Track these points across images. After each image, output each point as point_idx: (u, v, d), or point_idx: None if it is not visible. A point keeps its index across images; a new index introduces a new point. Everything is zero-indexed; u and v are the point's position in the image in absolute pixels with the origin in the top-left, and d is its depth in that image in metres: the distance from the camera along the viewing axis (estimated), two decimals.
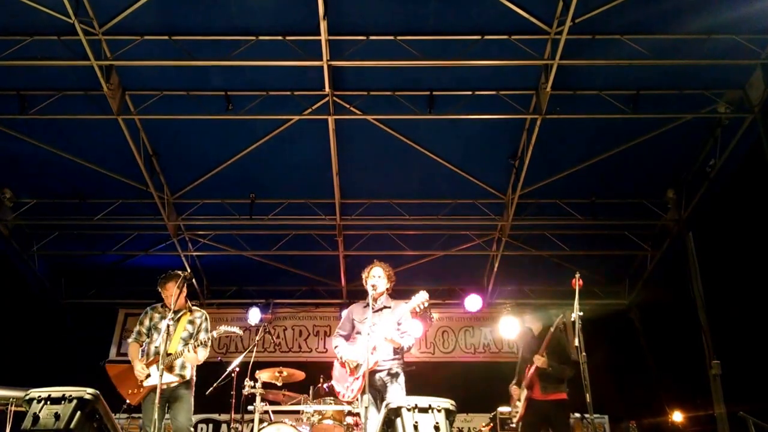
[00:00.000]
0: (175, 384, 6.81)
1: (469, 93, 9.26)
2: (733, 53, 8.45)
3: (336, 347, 6.95)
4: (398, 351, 6.69)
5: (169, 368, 6.77)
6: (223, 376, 8.51)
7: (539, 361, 7.27)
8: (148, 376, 6.83)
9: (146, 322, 7.13)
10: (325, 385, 9.23)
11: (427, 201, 11.08)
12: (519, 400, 7.63)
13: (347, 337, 7.02)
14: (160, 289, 7.13)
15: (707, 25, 8.13)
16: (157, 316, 7.14)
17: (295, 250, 11.87)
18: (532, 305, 8.68)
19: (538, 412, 7.41)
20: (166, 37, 8.52)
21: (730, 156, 9.47)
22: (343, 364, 6.83)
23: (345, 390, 6.74)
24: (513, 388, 7.80)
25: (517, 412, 7.62)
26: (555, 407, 7.38)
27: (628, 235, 11.50)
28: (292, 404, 8.86)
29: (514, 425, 7.85)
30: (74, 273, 12.70)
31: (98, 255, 12.08)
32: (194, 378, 7.05)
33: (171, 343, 6.79)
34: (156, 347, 6.89)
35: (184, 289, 7.00)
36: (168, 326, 6.41)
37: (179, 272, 6.94)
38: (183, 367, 6.90)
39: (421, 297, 6.69)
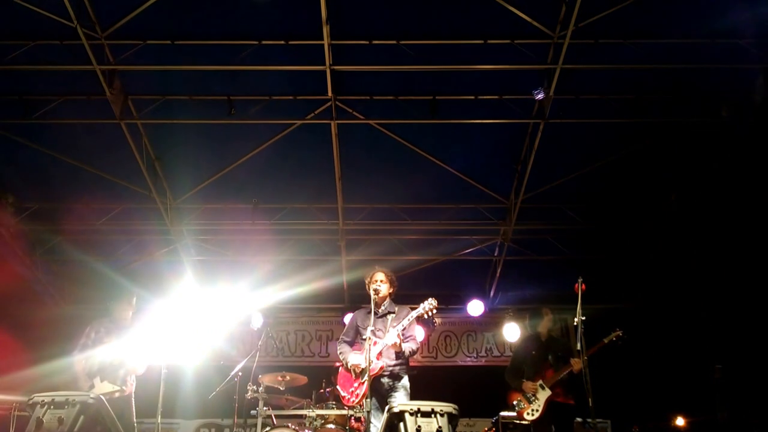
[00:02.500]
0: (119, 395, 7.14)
1: (472, 97, 9.25)
2: (736, 57, 8.45)
3: (340, 353, 6.99)
4: (403, 355, 6.70)
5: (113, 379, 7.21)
6: (225, 380, 8.51)
7: (578, 365, 7.23)
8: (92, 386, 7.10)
9: (92, 335, 7.45)
10: (326, 390, 9.24)
11: (430, 205, 11.07)
12: (534, 396, 7.63)
13: (351, 343, 7.05)
14: (117, 306, 7.65)
15: (711, 29, 8.12)
16: (102, 330, 7.46)
17: (298, 255, 11.85)
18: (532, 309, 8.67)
19: (555, 414, 7.51)
20: (169, 42, 8.54)
21: (732, 159, 9.45)
22: (348, 370, 6.85)
23: (350, 395, 6.77)
24: (528, 384, 7.73)
25: (536, 410, 7.56)
26: (569, 411, 7.58)
27: (631, 239, 11.47)
28: (294, 408, 8.86)
29: (525, 422, 7.81)
30: (77, 278, 12.68)
31: (102, 259, 12.07)
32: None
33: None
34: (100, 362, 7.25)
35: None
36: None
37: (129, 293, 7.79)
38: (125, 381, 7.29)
39: (429, 304, 6.71)
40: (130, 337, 7.45)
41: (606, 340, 7.50)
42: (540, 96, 8.62)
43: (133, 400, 7.38)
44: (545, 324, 8.05)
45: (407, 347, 6.69)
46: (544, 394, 7.59)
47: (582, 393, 6.26)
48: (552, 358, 7.73)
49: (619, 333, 7.58)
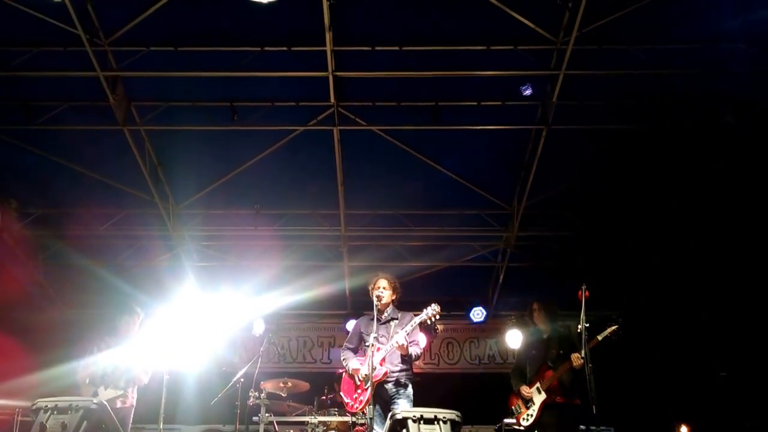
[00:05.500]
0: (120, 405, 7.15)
1: (475, 103, 9.24)
2: (739, 62, 8.43)
3: (344, 359, 7.00)
4: (407, 361, 6.71)
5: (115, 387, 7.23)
6: (227, 387, 8.50)
7: (577, 360, 6.99)
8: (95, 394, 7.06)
9: (94, 350, 7.45)
10: (329, 396, 9.23)
11: (432, 212, 11.07)
12: (531, 401, 7.42)
13: (355, 350, 7.06)
14: (124, 319, 7.70)
15: (714, 34, 8.13)
16: (103, 345, 7.50)
17: (300, 261, 11.84)
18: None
19: (555, 416, 7.23)
20: (172, 48, 8.56)
21: (734, 162, 9.44)
22: (351, 377, 6.85)
23: (353, 401, 6.78)
24: (524, 388, 7.49)
25: (531, 415, 7.35)
26: (572, 411, 7.24)
27: (633, 246, 11.44)
28: (296, 415, 8.84)
29: (522, 428, 7.50)
30: (79, 283, 12.66)
31: (103, 264, 12.05)
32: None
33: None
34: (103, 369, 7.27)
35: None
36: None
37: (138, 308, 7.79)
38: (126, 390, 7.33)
39: (433, 310, 6.72)
40: (133, 348, 7.45)
41: (600, 337, 7.06)
42: (528, 92, 8.55)
43: (132, 412, 7.40)
44: (540, 318, 7.80)
45: (412, 350, 6.71)
46: (539, 398, 7.32)
47: (586, 391, 6.19)
48: (551, 358, 7.45)
49: (615, 327, 7.10)
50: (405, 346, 6.58)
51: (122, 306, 7.90)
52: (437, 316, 6.72)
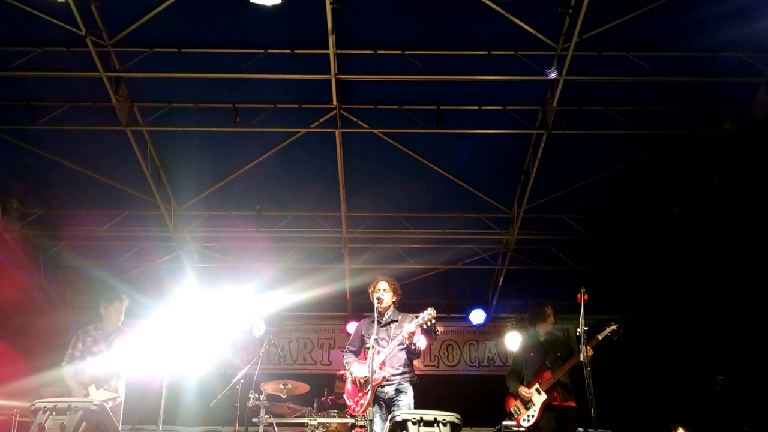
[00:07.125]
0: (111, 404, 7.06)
1: (476, 108, 9.29)
2: (739, 71, 8.48)
3: (346, 363, 7.04)
4: (407, 363, 6.76)
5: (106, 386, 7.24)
6: (227, 388, 8.52)
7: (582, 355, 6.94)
8: (87, 395, 7.05)
9: (79, 346, 7.46)
10: (329, 398, 9.25)
11: (433, 215, 11.08)
12: (530, 401, 7.51)
13: (357, 353, 7.10)
14: (109, 307, 7.66)
15: (713, 42, 8.17)
16: (90, 339, 7.49)
17: (301, 263, 11.86)
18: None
19: (554, 418, 7.35)
20: (175, 50, 8.58)
21: (734, 172, 9.47)
22: (354, 381, 6.89)
23: (355, 404, 6.82)
24: (523, 390, 7.59)
25: (532, 416, 7.46)
26: (570, 414, 7.38)
27: (632, 250, 11.48)
28: (296, 417, 8.85)
29: (523, 429, 7.58)
30: (80, 284, 12.68)
31: (104, 266, 12.07)
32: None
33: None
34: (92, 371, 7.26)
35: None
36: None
37: (123, 295, 7.69)
38: (116, 389, 7.31)
39: (428, 314, 6.76)
40: (120, 345, 7.45)
41: (600, 336, 7.22)
42: (553, 75, 8.45)
43: (122, 408, 7.42)
44: (546, 324, 7.91)
45: (416, 341, 6.76)
46: (539, 399, 7.42)
47: (584, 394, 6.22)
48: (550, 360, 7.58)
49: (614, 327, 7.26)
50: (412, 333, 6.64)
51: (107, 294, 7.89)
52: (433, 320, 6.77)
